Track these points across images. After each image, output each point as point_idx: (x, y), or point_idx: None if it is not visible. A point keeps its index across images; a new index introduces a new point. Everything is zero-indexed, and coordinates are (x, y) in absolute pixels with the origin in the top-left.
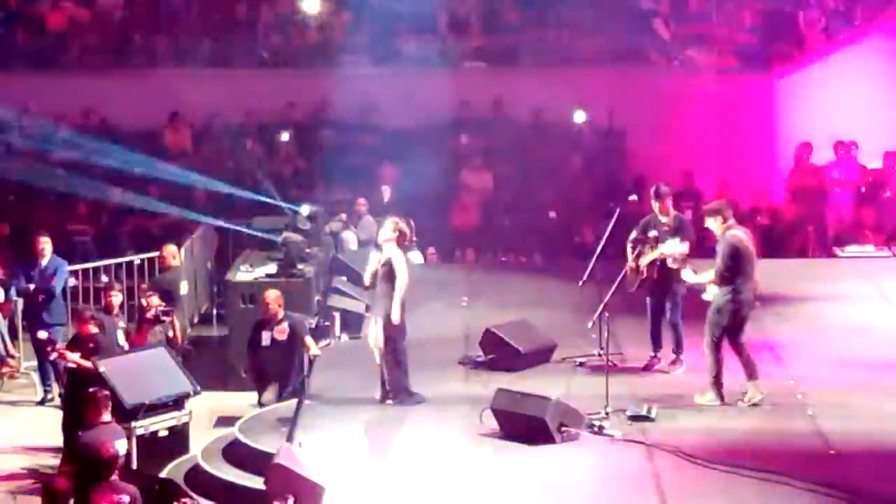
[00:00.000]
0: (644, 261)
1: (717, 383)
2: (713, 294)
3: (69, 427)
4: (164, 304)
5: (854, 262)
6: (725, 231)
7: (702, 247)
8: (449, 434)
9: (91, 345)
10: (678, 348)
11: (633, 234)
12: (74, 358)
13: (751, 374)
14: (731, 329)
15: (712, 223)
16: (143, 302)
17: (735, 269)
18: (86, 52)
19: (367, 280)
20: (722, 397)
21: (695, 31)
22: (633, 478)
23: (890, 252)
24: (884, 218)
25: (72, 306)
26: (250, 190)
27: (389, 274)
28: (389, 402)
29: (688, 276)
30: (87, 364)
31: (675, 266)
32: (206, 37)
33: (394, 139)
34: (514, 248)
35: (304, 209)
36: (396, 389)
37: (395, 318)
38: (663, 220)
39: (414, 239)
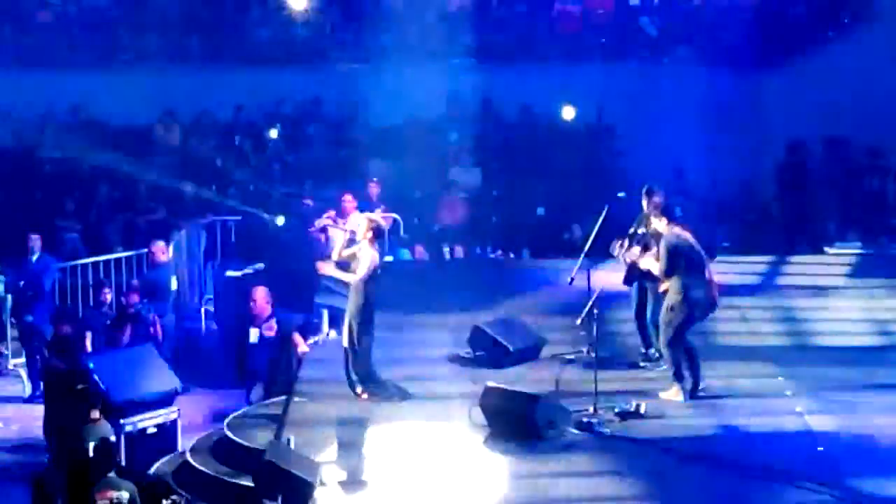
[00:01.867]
0: (628, 256)
1: (678, 377)
2: (663, 289)
3: (50, 425)
4: (147, 300)
5: (842, 259)
6: (666, 230)
7: None
8: (438, 431)
9: None
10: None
11: (631, 229)
12: None
13: (675, 373)
14: (682, 326)
15: (655, 222)
16: (122, 300)
17: (675, 268)
18: (74, 49)
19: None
20: (685, 391)
21: (683, 27)
22: (622, 474)
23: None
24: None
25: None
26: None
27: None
28: (360, 394)
29: (647, 263)
30: None
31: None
32: (195, 33)
33: (382, 136)
34: (503, 244)
35: (280, 219)
36: (365, 385)
37: (328, 271)
38: (654, 220)
39: (403, 235)
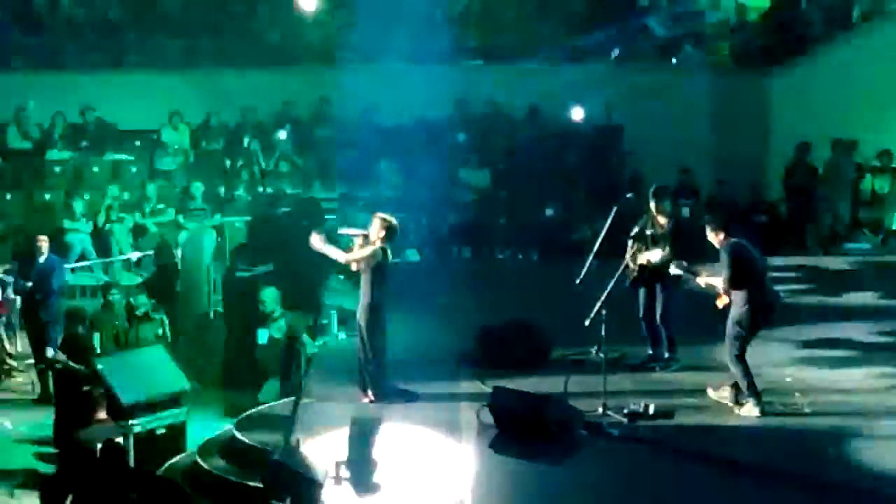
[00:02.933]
0: (635, 260)
1: (753, 390)
2: (723, 304)
3: (60, 426)
4: (154, 301)
5: (851, 260)
6: (724, 241)
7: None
8: (446, 432)
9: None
10: (670, 347)
11: (634, 230)
12: None
13: (748, 386)
14: (749, 338)
15: (711, 235)
16: (132, 300)
17: (740, 281)
18: (84, 51)
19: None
20: (761, 406)
21: (691, 28)
22: (632, 475)
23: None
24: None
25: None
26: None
27: (367, 268)
28: (367, 400)
29: (701, 281)
30: None
31: (677, 272)
32: (204, 35)
33: (391, 136)
34: (511, 245)
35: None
36: (376, 387)
37: (317, 244)
38: (661, 220)
39: (411, 237)
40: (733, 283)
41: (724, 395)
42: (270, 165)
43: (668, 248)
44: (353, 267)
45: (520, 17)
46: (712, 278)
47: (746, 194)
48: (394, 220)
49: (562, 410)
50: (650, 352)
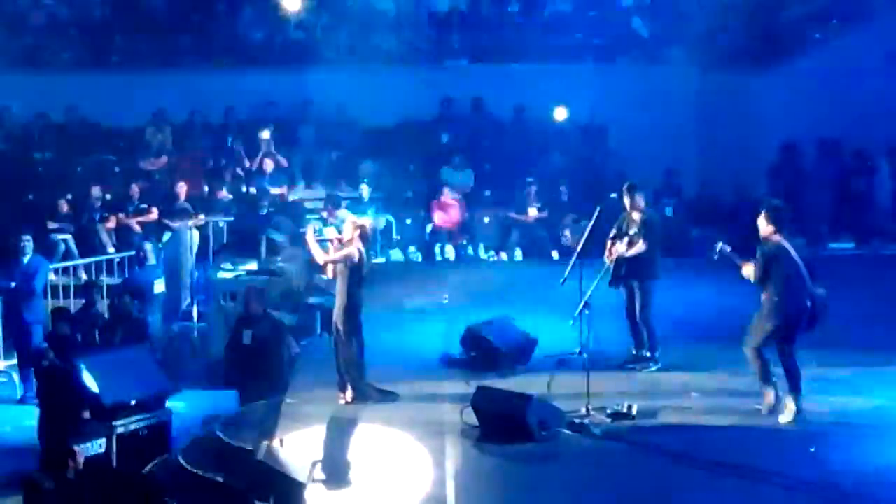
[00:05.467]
0: (608, 257)
1: (767, 381)
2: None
3: (44, 426)
4: (137, 302)
5: (834, 260)
6: (769, 237)
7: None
8: (429, 432)
9: None
10: (652, 346)
11: (612, 231)
12: None
13: (793, 385)
14: (774, 337)
15: (762, 224)
16: (114, 301)
17: (768, 277)
18: (67, 51)
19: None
20: (798, 409)
21: (676, 28)
22: (614, 475)
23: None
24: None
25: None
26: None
27: (344, 269)
28: (346, 400)
29: (748, 272)
30: None
31: (726, 249)
32: (187, 35)
33: (374, 136)
34: (495, 245)
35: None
36: (356, 388)
37: (309, 239)
38: (635, 217)
39: (395, 236)
40: (761, 279)
41: (789, 413)
42: (254, 165)
43: (642, 243)
44: (329, 272)
45: (505, 17)
46: (746, 265)
47: (731, 194)
48: (365, 222)
49: (544, 411)
50: (633, 352)
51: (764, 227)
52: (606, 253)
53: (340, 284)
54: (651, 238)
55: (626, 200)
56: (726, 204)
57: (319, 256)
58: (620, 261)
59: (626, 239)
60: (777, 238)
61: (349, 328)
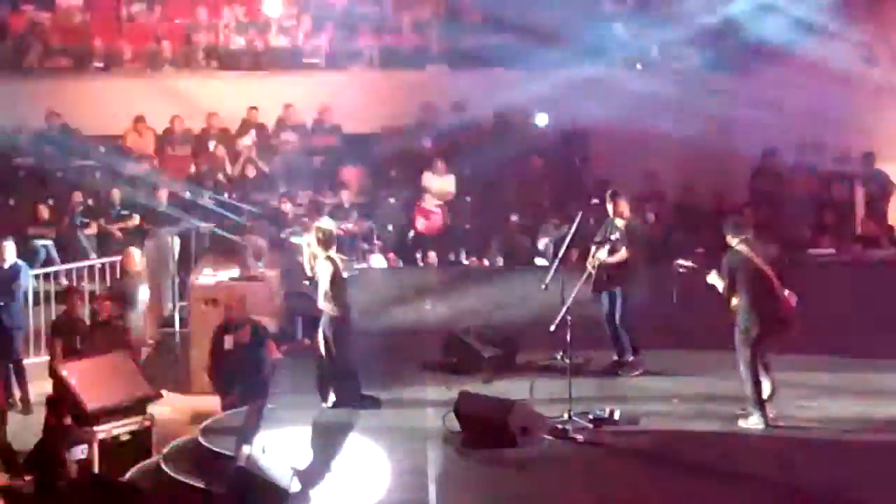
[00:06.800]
0: (590, 263)
1: (758, 403)
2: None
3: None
4: (119, 308)
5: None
6: (732, 247)
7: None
8: (411, 437)
9: None
10: (634, 351)
11: (597, 237)
12: None
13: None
14: (761, 343)
15: (728, 238)
16: (95, 307)
17: (734, 286)
18: (48, 55)
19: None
20: (765, 418)
21: (657, 33)
22: (596, 481)
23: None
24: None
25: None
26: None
27: (324, 278)
28: (329, 406)
29: (712, 279)
30: None
31: (683, 271)
32: (168, 40)
33: (355, 142)
34: (477, 250)
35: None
36: (338, 392)
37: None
38: (618, 223)
39: (376, 242)
40: (729, 290)
41: (754, 420)
42: (236, 171)
43: (624, 251)
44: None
45: (486, 23)
46: (717, 279)
47: (711, 199)
48: (326, 228)
49: (526, 416)
50: (615, 357)
51: (726, 238)
52: (589, 258)
53: (322, 291)
54: (633, 246)
55: (610, 207)
56: (707, 209)
57: (328, 308)
58: (602, 267)
59: (607, 246)
60: (739, 247)
61: (334, 334)
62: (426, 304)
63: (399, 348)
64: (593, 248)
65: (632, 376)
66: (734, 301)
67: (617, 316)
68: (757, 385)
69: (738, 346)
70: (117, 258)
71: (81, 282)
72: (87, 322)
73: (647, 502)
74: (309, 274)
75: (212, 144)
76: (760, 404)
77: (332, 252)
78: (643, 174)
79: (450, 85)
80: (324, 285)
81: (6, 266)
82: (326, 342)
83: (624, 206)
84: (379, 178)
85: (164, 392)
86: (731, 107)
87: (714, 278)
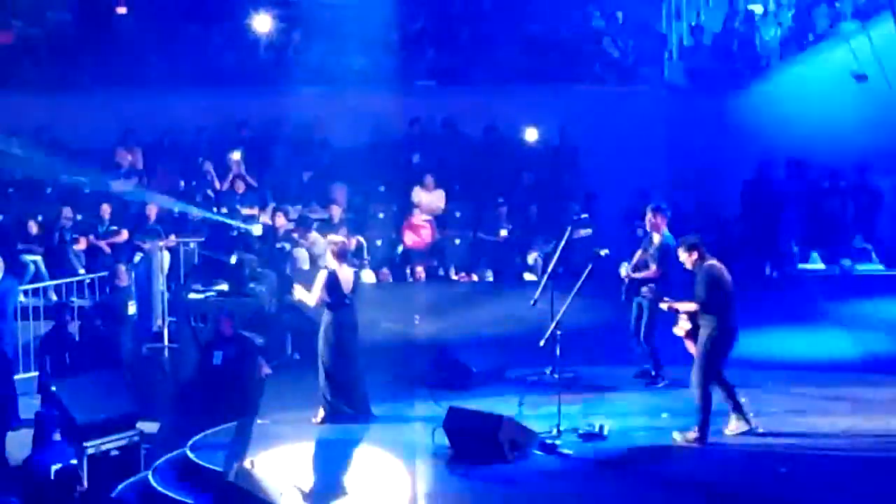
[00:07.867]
0: (624, 269)
1: (704, 422)
2: (684, 329)
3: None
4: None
5: (804, 280)
6: (702, 262)
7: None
8: (401, 453)
9: None
10: (656, 364)
11: (638, 252)
12: None
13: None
14: (726, 357)
15: (683, 256)
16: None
17: (715, 301)
18: (37, 71)
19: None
20: (748, 421)
21: (645, 48)
22: (585, 496)
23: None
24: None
25: None
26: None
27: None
28: (319, 421)
29: (664, 306)
30: None
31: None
32: (157, 55)
33: (345, 157)
34: (466, 266)
35: (257, 228)
36: (332, 408)
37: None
38: (655, 240)
39: (366, 258)
40: (708, 306)
41: (737, 425)
42: (224, 186)
43: (655, 267)
44: (313, 301)
45: (475, 38)
46: (681, 303)
47: (701, 215)
48: (336, 239)
49: (516, 431)
50: (652, 373)
51: (687, 258)
52: (624, 269)
53: (323, 306)
54: (663, 264)
55: (648, 221)
56: (697, 224)
57: (310, 300)
58: (633, 279)
59: (635, 259)
60: (712, 261)
61: (331, 348)
62: (416, 318)
63: (388, 363)
64: (637, 255)
65: (657, 387)
66: (684, 325)
67: (641, 329)
68: (710, 404)
69: (699, 365)
70: (105, 273)
71: (70, 297)
72: (77, 338)
73: None
74: (296, 288)
75: (200, 160)
76: (705, 423)
77: (347, 261)
78: (633, 190)
79: (439, 100)
80: (315, 295)
81: None
82: (321, 353)
83: (661, 222)
84: (368, 193)
85: (152, 407)
86: (722, 123)
87: (673, 304)
